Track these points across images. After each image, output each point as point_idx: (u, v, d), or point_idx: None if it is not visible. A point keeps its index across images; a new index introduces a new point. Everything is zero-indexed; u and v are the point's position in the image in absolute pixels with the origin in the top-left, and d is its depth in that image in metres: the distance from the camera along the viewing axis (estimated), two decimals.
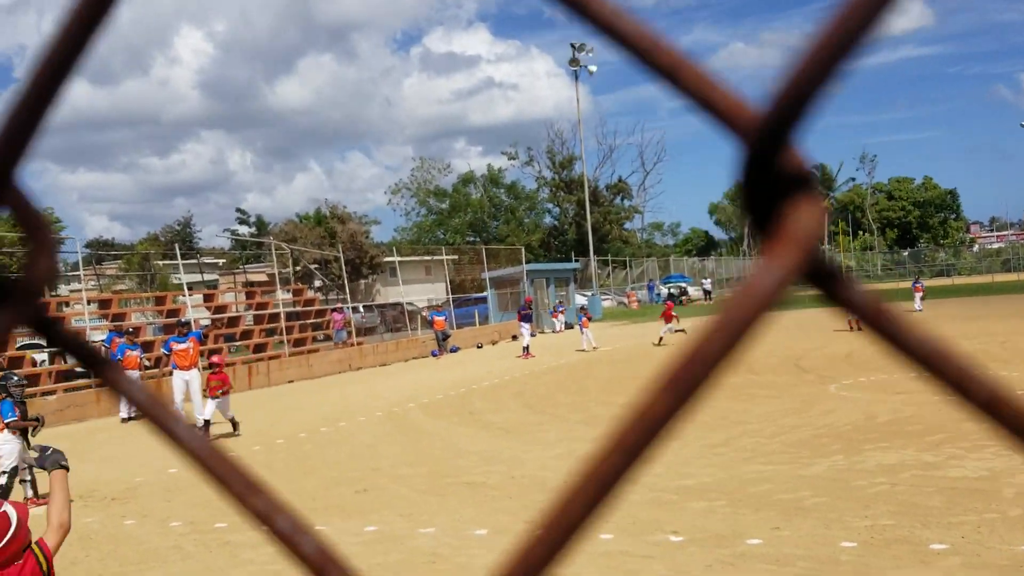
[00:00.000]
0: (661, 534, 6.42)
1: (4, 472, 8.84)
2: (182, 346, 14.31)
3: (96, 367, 0.39)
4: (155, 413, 0.39)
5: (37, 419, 9.43)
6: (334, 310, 28.30)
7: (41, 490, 8.69)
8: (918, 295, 31.61)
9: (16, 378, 9.72)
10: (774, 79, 0.24)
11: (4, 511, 2.67)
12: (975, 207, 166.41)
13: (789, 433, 10.02)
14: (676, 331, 23.92)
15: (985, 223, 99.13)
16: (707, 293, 52.63)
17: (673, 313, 24.74)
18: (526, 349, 24.14)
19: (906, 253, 72.21)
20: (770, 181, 0.26)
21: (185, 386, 14.12)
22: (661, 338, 24.32)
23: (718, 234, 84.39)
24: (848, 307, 0.27)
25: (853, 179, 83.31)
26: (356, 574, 0.36)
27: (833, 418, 10.74)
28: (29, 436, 9.13)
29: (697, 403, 0.27)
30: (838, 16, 0.24)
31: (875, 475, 7.68)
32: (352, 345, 26.86)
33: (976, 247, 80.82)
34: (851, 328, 24.02)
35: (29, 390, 16.33)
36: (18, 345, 19.43)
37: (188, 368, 14.16)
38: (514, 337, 32.33)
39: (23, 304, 0.36)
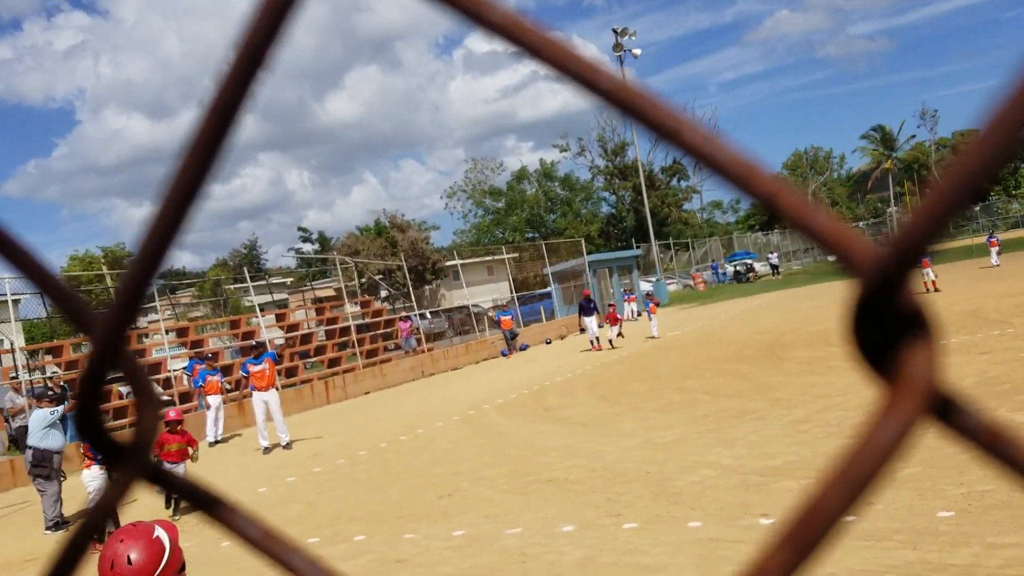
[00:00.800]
0: (751, 518, 6.33)
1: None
2: (258, 367, 14.58)
3: (209, 508, 0.40)
4: (270, 547, 0.39)
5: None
6: (401, 319, 28.64)
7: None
8: (994, 250, 30.58)
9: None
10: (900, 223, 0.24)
11: (157, 536, 2.73)
12: None
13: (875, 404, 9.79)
14: (618, 335, 24.31)
15: None
16: (774, 268, 51.66)
17: (617, 316, 24.74)
18: (595, 341, 24.05)
19: (977, 208, 69.83)
20: (886, 323, 0.25)
21: (265, 406, 14.38)
22: (611, 341, 24.05)
23: None
24: (969, 437, 0.26)
25: (914, 136, 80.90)
26: None
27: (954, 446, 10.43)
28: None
29: (816, 561, 0.26)
30: (955, 165, 0.24)
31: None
32: (423, 352, 27.14)
33: None
34: (927, 290, 23.37)
35: (117, 423, 16.91)
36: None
37: (266, 389, 14.42)
38: (582, 330, 32.29)
39: (136, 460, 0.38)
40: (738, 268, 51.52)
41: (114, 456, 0.38)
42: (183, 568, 2.76)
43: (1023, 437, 0.26)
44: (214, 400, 16.65)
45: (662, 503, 7.16)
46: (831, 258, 0.25)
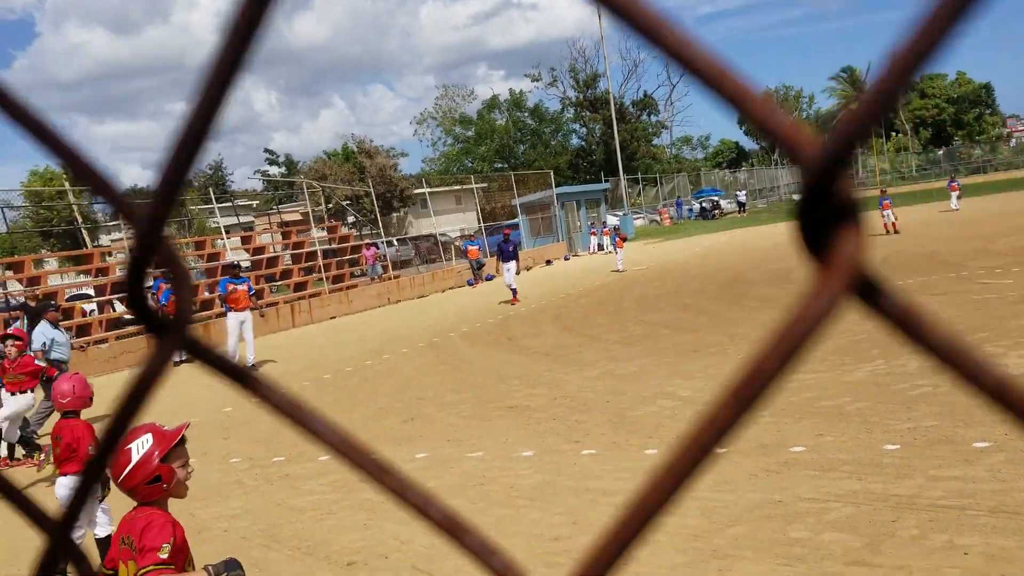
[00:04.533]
0: None
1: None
2: (240, 287, 14.35)
3: (243, 381, 0.45)
4: (298, 415, 0.44)
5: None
6: (366, 246, 28.54)
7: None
8: (954, 194, 31.08)
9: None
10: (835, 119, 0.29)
11: (130, 448, 2.89)
12: (1011, 100, 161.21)
13: (827, 340, 10.05)
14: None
15: (1022, 115, 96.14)
16: (741, 205, 52.04)
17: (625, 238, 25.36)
18: (514, 292, 20.09)
19: (941, 152, 70.56)
20: (823, 210, 0.28)
21: (239, 327, 14.27)
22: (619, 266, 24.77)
23: (749, 145, 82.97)
24: (886, 315, 0.29)
25: None
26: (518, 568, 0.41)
27: (872, 323, 10.73)
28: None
29: (752, 416, 0.31)
30: (889, 61, 0.27)
31: (916, 378, 7.73)
32: (388, 279, 27.16)
33: (1013, 141, 78.67)
34: (886, 231, 23.77)
35: (81, 340, 16.81)
36: (67, 296, 19.92)
37: (243, 309, 14.28)
38: (548, 262, 32.45)
39: (178, 332, 0.43)
40: (704, 205, 51.84)
41: (158, 328, 0.43)
42: (160, 479, 2.87)
43: (932, 318, 0.29)
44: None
45: (620, 431, 7.37)
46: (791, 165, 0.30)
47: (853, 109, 0.27)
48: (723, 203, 52.64)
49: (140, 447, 2.89)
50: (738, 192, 54.41)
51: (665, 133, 68.87)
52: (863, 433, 6.29)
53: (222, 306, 14.61)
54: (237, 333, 14.28)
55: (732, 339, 10.92)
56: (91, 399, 5.75)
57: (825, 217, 0.28)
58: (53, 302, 13.83)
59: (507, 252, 20.49)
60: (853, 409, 6.98)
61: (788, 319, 0.29)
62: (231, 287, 14.32)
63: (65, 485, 5.62)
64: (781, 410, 7.29)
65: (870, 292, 0.28)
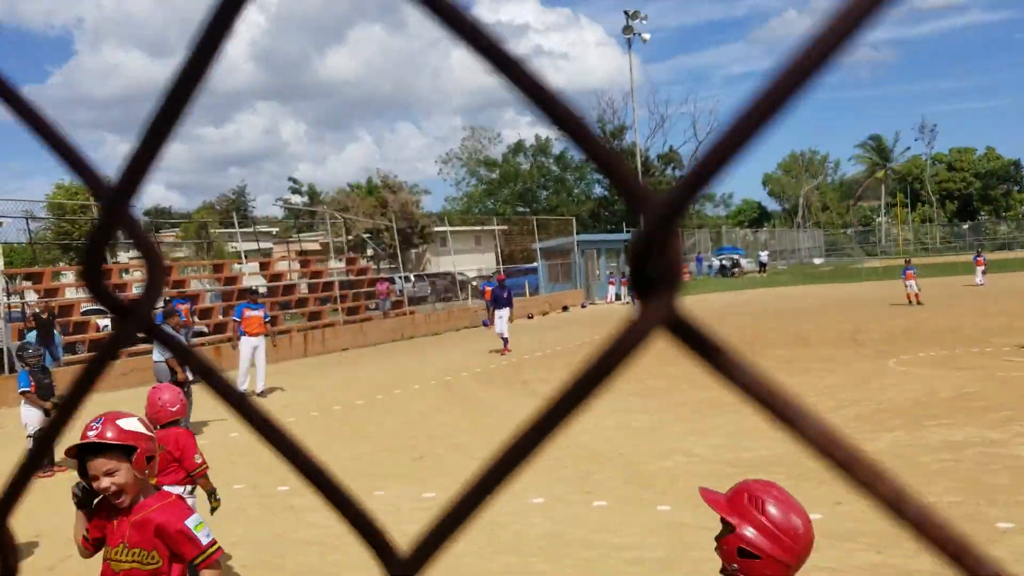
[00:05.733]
0: None
1: (30, 437, 9.10)
2: (255, 313, 14.38)
3: (196, 366, 0.43)
4: (247, 411, 0.43)
5: (55, 404, 9.27)
6: (379, 280, 28.55)
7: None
8: (979, 268, 30.82)
9: (32, 349, 9.95)
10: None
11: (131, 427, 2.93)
12: None
13: (849, 408, 9.88)
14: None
15: None
16: (762, 266, 51.85)
17: None
18: (505, 341, 18.65)
19: (966, 226, 70.30)
20: (650, 256, 0.31)
21: (252, 352, 14.24)
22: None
23: (771, 205, 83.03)
24: (696, 350, 0.33)
25: (909, 148, 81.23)
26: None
27: (893, 393, 10.57)
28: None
29: (558, 431, 0.35)
30: (709, 143, 0.30)
31: (939, 451, 7.55)
32: (404, 314, 27.12)
33: None
34: (909, 302, 23.55)
35: (92, 354, 16.80)
36: (82, 311, 19.97)
37: (257, 335, 14.25)
38: (565, 308, 32.36)
39: (139, 316, 0.42)
40: (724, 262, 51.72)
41: (118, 311, 0.42)
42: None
43: (742, 357, 0.32)
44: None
45: (633, 485, 7.22)
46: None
47: (683, 176, 0.31)
48: (743, 262, 52.51)
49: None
50: (760, 252, 54.29)
51: None
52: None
53: (236, 330, 14.55)
54: (249, 358, 14.22)
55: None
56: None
57: (652, 262, 0.31)
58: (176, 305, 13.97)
59: (501, 299, 19.04)
60: None
61: (604, 346, 0.32)
62: (247, 312, 14.31)
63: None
64: (799, 474, 7.12)
65: (683, 329, 0.32)
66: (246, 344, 14.22)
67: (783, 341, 16.95)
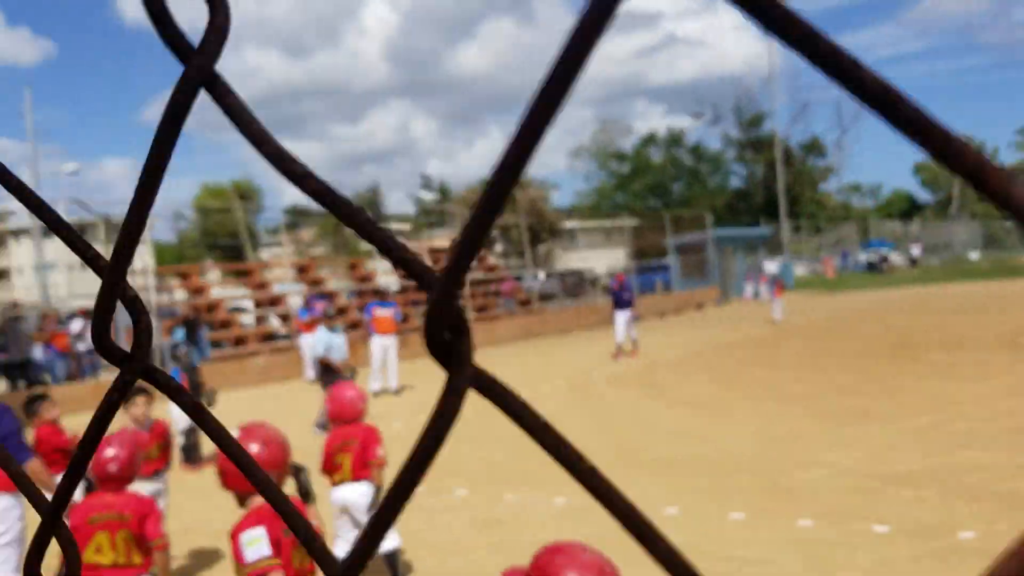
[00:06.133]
0: (864, 523, 5.94)
1: (181, 432, 9.39)
2: (386, 312, 14.60)
3: (196, 415, 0.46)
4: (233, 452, 0.45)
5: (206, 397, 9.44)
6: (506, 279, 28.56)
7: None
8: None
9: (182, 347, 10.35)
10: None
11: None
12: None
13: (1008, 418, 9.02)
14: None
15: None
16: (913, 261, 48.95)
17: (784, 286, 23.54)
18: (628, 345, 17.70)
19: None
20: (444, 325, 0.34)
21: (383, 352, 14.47)
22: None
23: (923, 196, 78.34)
24: (498, 404, 0.36)
25: None
26: None
27: None
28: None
29: (405, 504, 0.36)
30: (467, 219, 0.32)
31: None
32: (532, 312, 27.07)
33: None
34: None
35: (236, 351, 17.53)
36: (229, 308, 20.89)
37: (387, 333, 14.46)
38: (699, 306, 31.51)
39: (139, 362, 0.47)
40: (871, 258, 49.15)
41: (120, 359, 0.47)
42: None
43: (523, 403, 0.36)
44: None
45: (772, 497, 6.81)
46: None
47: (453, 244, 0.34)
48: (892, 256, 49.74)
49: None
50: (911, 245, 51.27)
51: (833, 179, 65.81)
52: None
53: (367, 329, 14.81)
54: (381, 357, 14.45)
55: (899, 407, 10.04)
56: None
57: (446, 330, 0.34)
58: (329, 307, 14.54)
59: (622, 299, 17.72)
60: None
61: (433, 412, 0.35)
62: (375, 311, 14.53)
63: (364, 493, 5.25)
64: (951, 490, 6.55)
65: (484, 386, 0.36)
66: (377, 343, 14.44)
67: (935, 343, 15.81)
